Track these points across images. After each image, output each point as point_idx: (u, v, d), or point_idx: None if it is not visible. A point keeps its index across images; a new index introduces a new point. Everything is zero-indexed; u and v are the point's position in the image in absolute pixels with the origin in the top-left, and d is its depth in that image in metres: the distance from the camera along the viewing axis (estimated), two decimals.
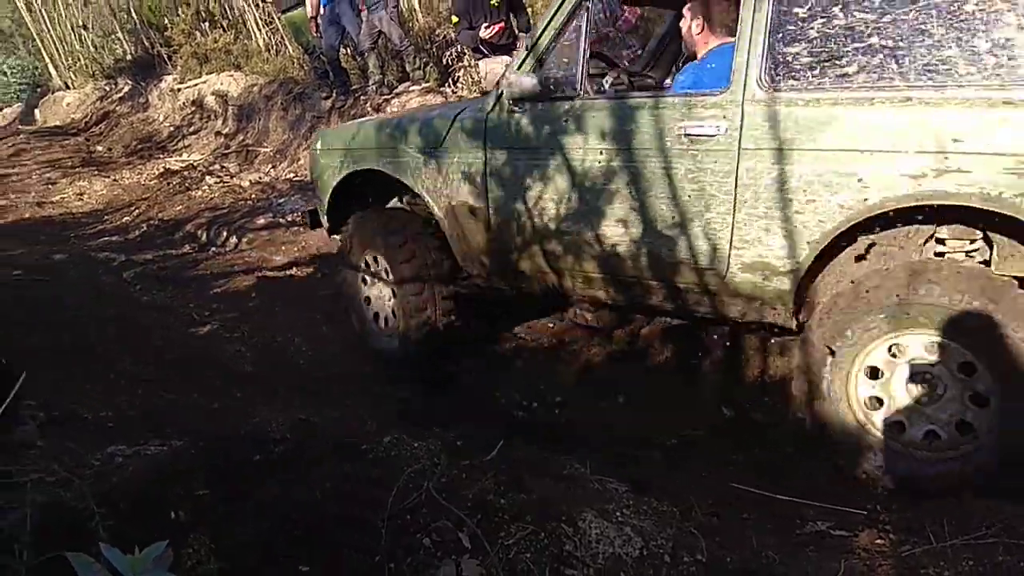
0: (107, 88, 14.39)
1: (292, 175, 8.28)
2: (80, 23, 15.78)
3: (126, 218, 6.97)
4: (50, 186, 8.46)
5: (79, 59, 15.55)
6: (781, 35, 2.60)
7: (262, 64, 11.05)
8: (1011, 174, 2.26)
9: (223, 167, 9.19)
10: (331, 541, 1.93)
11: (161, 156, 10.07)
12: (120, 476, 2.22)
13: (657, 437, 3.33)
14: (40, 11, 15.64)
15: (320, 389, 3.62)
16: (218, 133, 10.71)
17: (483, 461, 2.36)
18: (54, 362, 3.66)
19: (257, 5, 11.56)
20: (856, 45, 2.49)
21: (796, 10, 2.57)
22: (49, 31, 15.62)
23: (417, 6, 9.79)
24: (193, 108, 11.20)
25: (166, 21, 13.41)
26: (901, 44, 2.42)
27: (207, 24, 12.64)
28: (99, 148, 10.95)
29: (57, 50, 15.68)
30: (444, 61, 8.32)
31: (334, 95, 8.60)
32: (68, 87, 15.32)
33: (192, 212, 7.01)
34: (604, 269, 3.23)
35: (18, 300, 4.51)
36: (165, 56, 13.06)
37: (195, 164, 9.41)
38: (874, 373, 2.65)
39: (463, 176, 3.49)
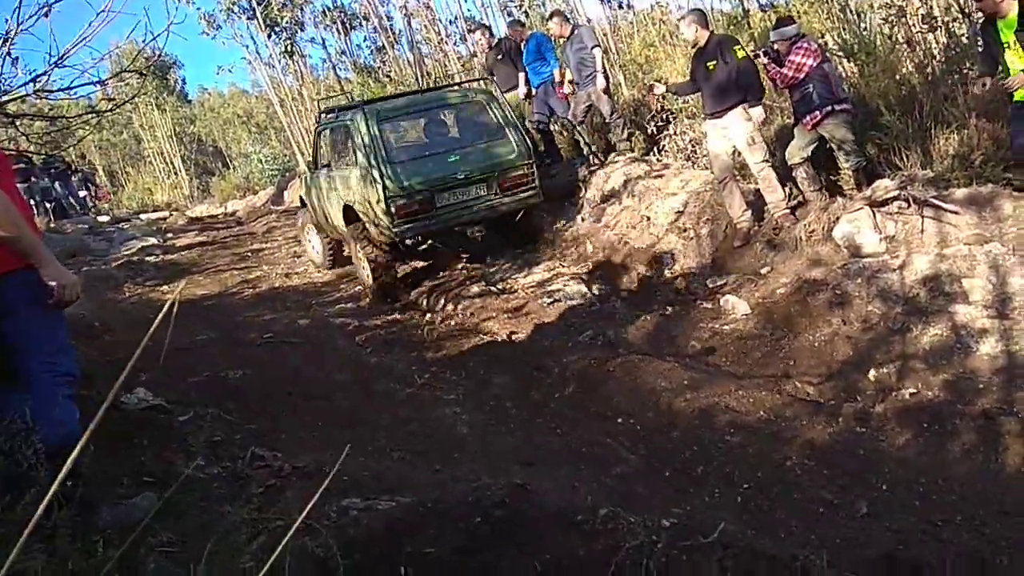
0: None
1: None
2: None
3: (359, 287, 7.61)
4: (296, 259, 9.44)
5: None
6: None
7: None
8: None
9: None
10: None
11: None
12: (356, 528, 2.38)
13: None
14: (290, 105, 17.90)
15: (532, 456, 3.67)
16: None
17: (703, 543, 2.26)
18: (294, 417, 4.05)
19: None
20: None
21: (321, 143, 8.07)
22: (296, 122, 17.79)
23: (623, 79, 10.03)
24: None
25: None
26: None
27: None
28: None
29: (302, 138, 17.79)
30: (649, 131, 8.40)
31: (545, 167, 8.94)
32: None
33: (415, 282, 7.53)
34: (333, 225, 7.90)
35: (272, 361, 5.07)
36: None
37: None
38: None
39: (309, 194, 8.58)
